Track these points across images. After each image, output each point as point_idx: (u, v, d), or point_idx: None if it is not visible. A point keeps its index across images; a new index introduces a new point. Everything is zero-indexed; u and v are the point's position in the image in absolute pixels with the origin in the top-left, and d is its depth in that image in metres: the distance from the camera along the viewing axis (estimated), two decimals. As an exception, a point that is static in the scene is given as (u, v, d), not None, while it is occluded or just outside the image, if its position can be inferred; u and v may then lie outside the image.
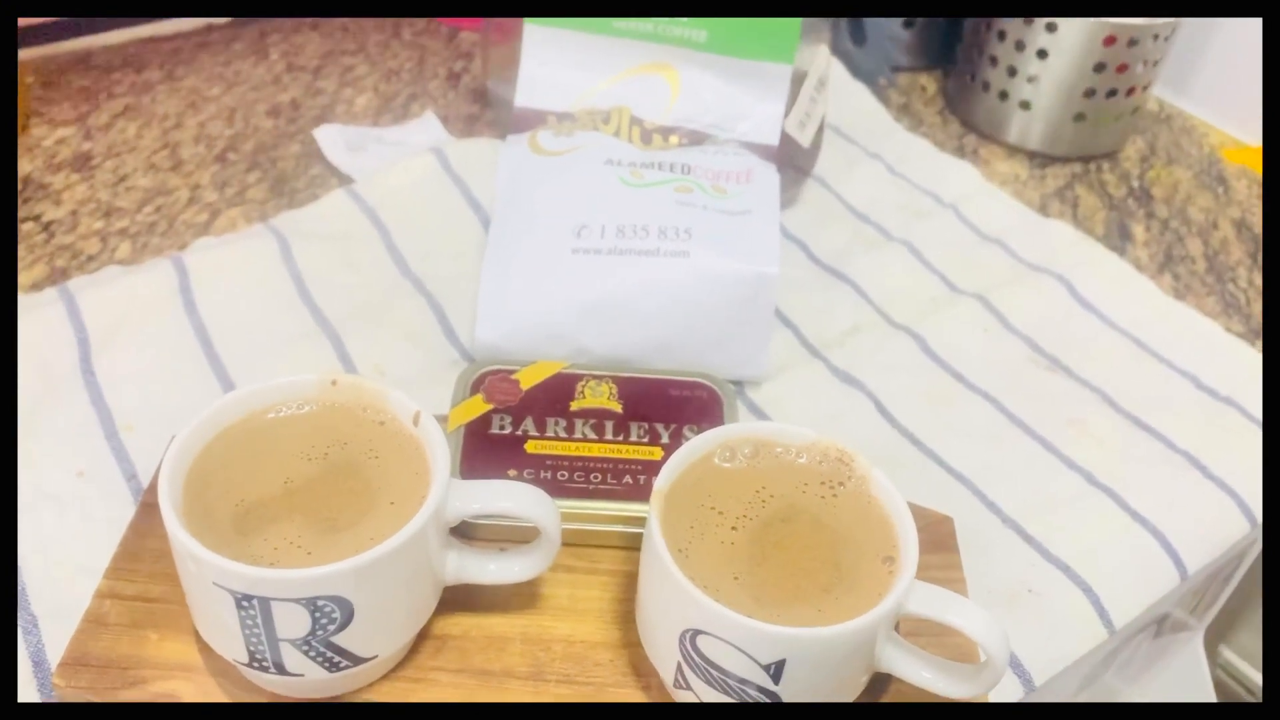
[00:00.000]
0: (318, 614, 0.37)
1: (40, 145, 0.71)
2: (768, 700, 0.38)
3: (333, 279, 0.62)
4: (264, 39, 0.85)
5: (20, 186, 0.67)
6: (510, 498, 0.41)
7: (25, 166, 0.69)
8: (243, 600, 0.37)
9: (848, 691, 0.40)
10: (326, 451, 0.41)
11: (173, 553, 0.38)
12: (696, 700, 0.40)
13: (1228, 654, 0.88)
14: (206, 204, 0.68)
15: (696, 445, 0.42)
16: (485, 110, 0.79)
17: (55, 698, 0.42)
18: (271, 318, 0.59)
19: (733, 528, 0.40)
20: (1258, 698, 0.87)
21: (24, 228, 0.64)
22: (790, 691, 0.38)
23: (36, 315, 0.57)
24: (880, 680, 0.43)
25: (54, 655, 0.43)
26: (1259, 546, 0.65)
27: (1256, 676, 0.87)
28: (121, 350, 0.56)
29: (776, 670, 0.37)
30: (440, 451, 0.40)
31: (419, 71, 0.83)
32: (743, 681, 0.38)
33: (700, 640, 0.37)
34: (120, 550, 0.46)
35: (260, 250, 0.63)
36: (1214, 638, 0.82)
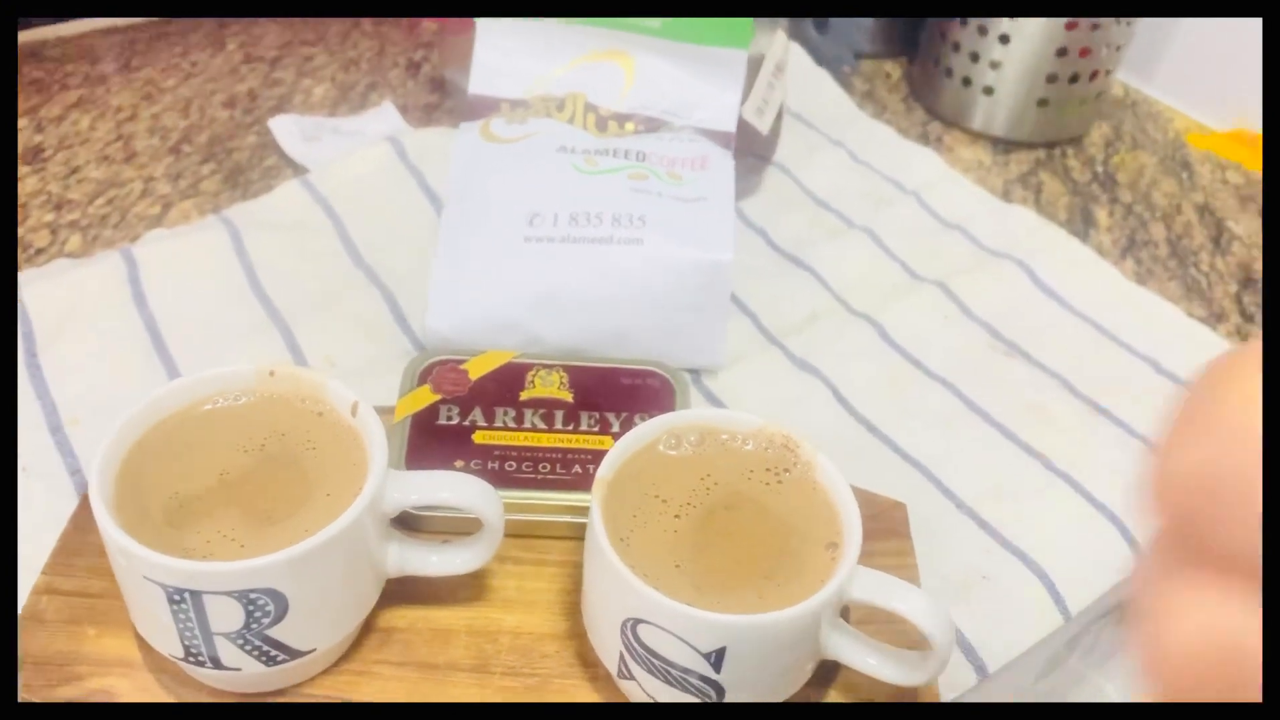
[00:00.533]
0: (251, 607, 0.36)
1: (-10, 138, 0.70)
2: (711, 689, 0.37)
3: (285, 270, 0.61)
4: (222, 29, 0.84)
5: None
6: (449, 488, 0.40)
7: (-25, 159, 0.68)
8: (174, 594, 0.36)
9: (793, 680, 0.40)
10: (263, 443, 0.41)
11: (105, 546, 0.38)
12: (640, 690, 0.39)
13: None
14: (160, 196, 0.67)
15: (641, 433, 0.42)
16: (445, 99, 0.78)
17: (-11, 696, 0.41)
18: (222, 309, 0.59)
19: (676, 516, 0.40)
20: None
21: (-29, 221, 0.63)
22: (732, 680, 0.37)
23: (-20, 309, 0.56)
24: (829, 670, 0.43)
25: (-10, 653, 0.42)
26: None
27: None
28: (68, 343, 0.55)
29: (717, 659, 0.36)
30: (378, 442, 0.40)
31: (378, 61, 0.82)
32: (685, 671, 0.37)
33: (641, 629, 0.37)
34: (59, 545, 0.45)
35: (211, 242, 0.62)
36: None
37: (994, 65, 0.78)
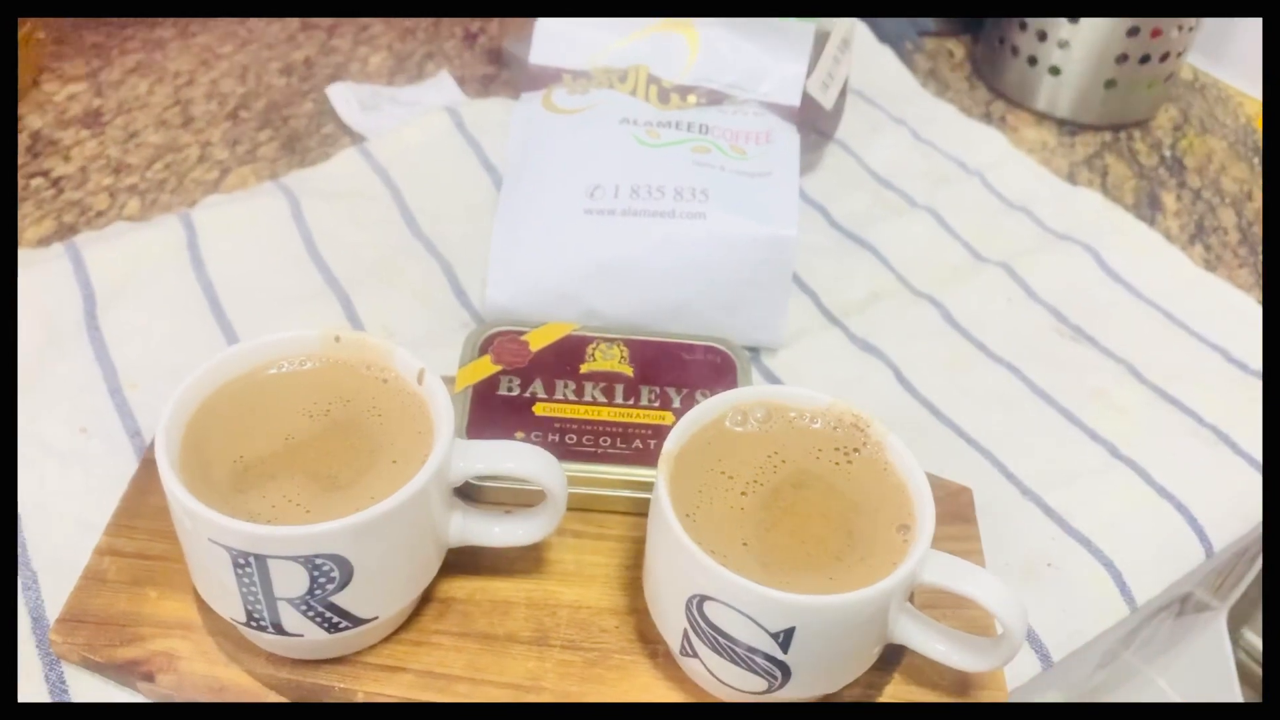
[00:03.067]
0: (316, 573, 0.36)
1: (51, 101, 0.70)
2: (778, 670, 0.37)
3: (343, 238, 0.61)
4: (279, -3, 0.84)
5: (29, 142, 0.67)
6: (515, 458, 0.40)
7: (35, 122, 0.68)
8: (239, 558, 0.36)
9: (859, 663, 0.39)
10: (328, 409, 0.40)
11: (170, 508, 0.38)
12: (704, 668, 0.38)
13: (1250, 636, 0.87)
14: (217, 161, 0.67)
15: (707, 408, 0.41)
16: (501, 71, 0.77)
17: (52, 654, 0.41)
18: (280, 276, 0.59)
19: (742, 493, 0.39)
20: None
21: (32, 183, 0.64)
22: (799, 661, 0.36)
23: (41, 270, 0.56)
24: (893, 653, 0.42)
25: (53, 612, 0.42)
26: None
27: None
28: (127, 307, 0.56)
29: (785, 639, 0.36)
30: (444, 410, 0.39)
31: (434, 31, 0.81)
32: (751, 650, 0.37)
33: (707, 606, 0.36)
34: (121, 507, 0.45)
35: (270, 208, 0.62)
36: (1237, 619, 0.81)
37: (1061, 45, 0.76)
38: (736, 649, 0.37)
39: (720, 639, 0.37)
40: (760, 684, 0.38)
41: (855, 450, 0.41)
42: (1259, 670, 0.86)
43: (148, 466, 0.47)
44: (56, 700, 0.40)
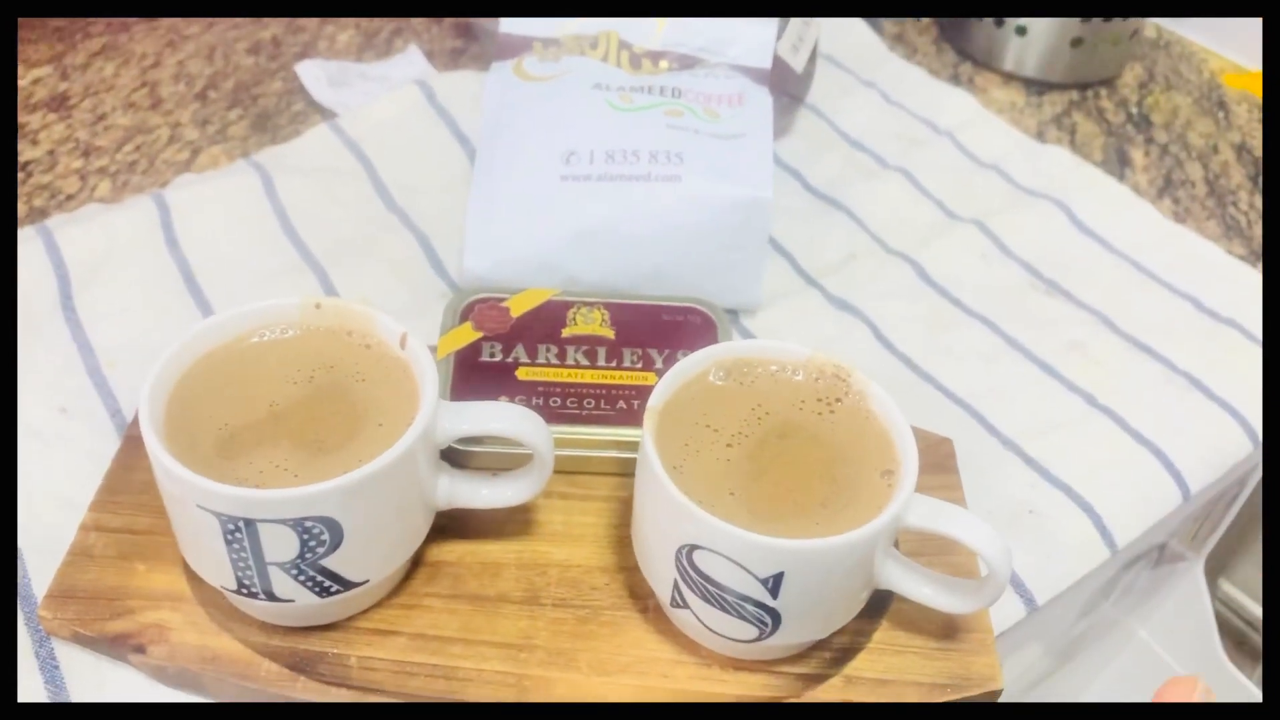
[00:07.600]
0: (306, 536, 0.36)
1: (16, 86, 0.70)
2: (768, 616, 0.37)
3: (317, 214, 0.61)
4: (243, -23, 0.83)
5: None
6: (501, 418, 0.40)
7: (1, 107, 0.68)
8: (229, 523, 0.36)
9: (847, 608, 0.40)
10: (312, 375, 0.40)
11: (156, 478, 0.37)
12: (695, 619, 0.39)
13: (1227, 587, 0.88)
14: (187, 142, 0.67)
15: (690, 364, 0.42)
16: (471, 44, 0.77)
17: (41, 630, 0.41)
18: (255, 253, 0.58)
19: (728, 445, 0.40)
20: (1258, 630, 0.87)
21: None
22: (789, 606, 0.37)
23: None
24: (880, 601, 0.43)
25: (40, 589, 0.42)
26: (1260, 472, 0.65)
27: (1256, 609, 0.87)
28: (103, 287, 0.55)
29: (774, 584, 0.36)
30: (429, 373, 0.39)
31: (402, 7, 0.81)
32: (741, 598, 0.37)
33: (697, 555, 0.37)
34: (105, 484, 0.45)
35: (243, 185, 0.62)
36: (1213, 570, 0.82)
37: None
38: (726, 597, 0.37)
39: (710, 588, 0.37)
40: (751, 631, 0.38)
41: (837, 400, 0.41)
42: (1237, 622, 0.88)
43: (130, 443, 0.47)
44: (46, 676, 0.40)
